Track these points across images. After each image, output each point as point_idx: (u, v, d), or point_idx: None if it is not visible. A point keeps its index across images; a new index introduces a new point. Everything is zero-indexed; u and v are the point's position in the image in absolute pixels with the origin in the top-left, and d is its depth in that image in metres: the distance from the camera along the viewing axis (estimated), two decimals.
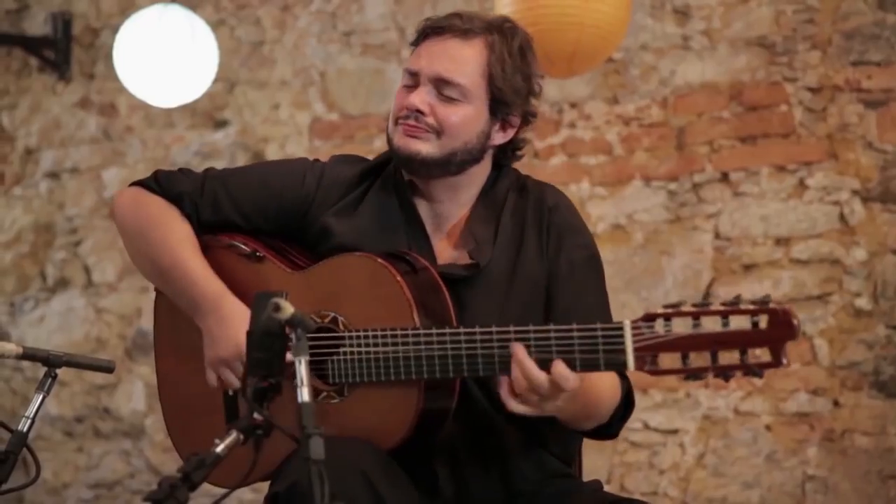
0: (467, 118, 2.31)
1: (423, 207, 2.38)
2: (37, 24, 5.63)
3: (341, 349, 2.23)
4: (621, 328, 2.03)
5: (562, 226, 2.37)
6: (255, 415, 1.87)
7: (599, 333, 2.05)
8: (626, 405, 2.31)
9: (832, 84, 4.16)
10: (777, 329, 1.94)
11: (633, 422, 4.34)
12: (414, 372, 2.17)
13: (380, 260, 2.25)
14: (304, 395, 1.80)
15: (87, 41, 5.53)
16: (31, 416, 2.44)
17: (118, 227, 2.49)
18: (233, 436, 1.86)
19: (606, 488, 2.47)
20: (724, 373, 1.98)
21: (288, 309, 1.83)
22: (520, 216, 2.37)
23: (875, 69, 4.12)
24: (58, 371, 2.49)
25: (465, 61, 2.29)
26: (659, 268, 4.35)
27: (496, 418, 2.28)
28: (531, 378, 2.06)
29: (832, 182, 4.14)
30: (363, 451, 2.14)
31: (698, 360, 1.99)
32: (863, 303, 4.06)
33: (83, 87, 5.52)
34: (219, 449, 1.84)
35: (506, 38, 2.31)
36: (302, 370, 1.81)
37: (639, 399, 4.28)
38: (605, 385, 2.23)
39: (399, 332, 2.18)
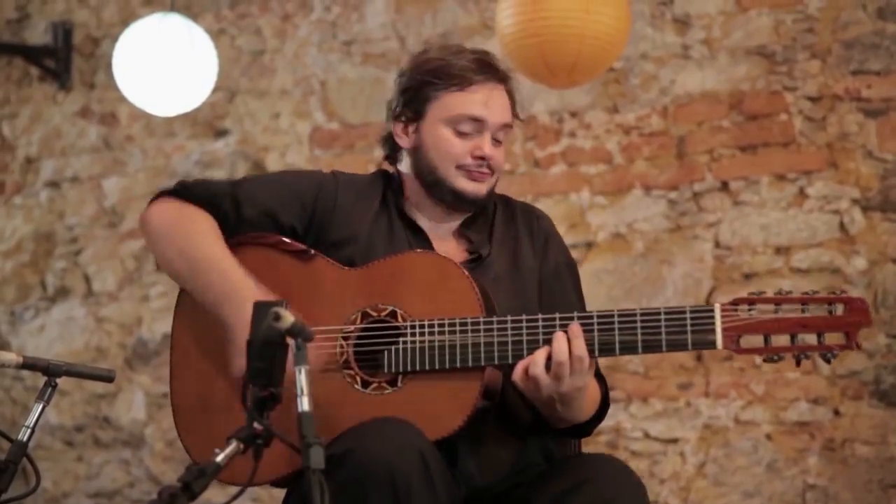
0: (505, 155, 2.55)
1: (423, 223, 2.51)
2: (37, 34, 5.64)
3: (401, 339, 2.29)
4: (712, 310, 2.20)
5: (548, 232, 2.56)
6: (255, 424, 1.87)
7: (689, 315, 2.21)
8: (602, 406, 2.44)
9: (832, 93, 4.16)
10: (853, 315, 2.15)
11: (634, 430, 4.34)
12: (484, 359, 2.24)
13: (445, 257, 2.36)
14: (305, 404, 1.80)
15: (88, 50, 5.54)
16: (31, 425, 2.44)
17: (152, 234, 2.51)
18: (232, 445, 1.87)
19: None
20: (802, 354, 2.16)
21: (288, 318, 1.84)
22: (510, 221, 2.55)
23: (875, 78, 4.12)
24: (58, 380, 2.49)
25: (508, 108, 2.51)
26: (659, 277, 4.35)
27: (514, 403, 2.36)
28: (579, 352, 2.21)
29: (832, 191, 4.14)
30: (418, 432, 2.19)
31: (778, 341, 2.18)
32: None
33: (84, 97, 5.53)
34: (219, 458, 1.85)
35: (508, 71, 2.53)
36: (302, 380, 1.81)
37: (639, 408, 4.32)
38: (593, 390, 2.38)
39: (469, 320, 2.26)
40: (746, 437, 4.19)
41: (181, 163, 5.29)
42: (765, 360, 2.19)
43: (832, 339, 2.15)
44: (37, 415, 2.45)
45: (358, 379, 2.30)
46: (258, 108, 5.16)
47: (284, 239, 2.45)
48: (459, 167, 2.45)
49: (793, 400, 4.14)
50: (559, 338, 2.21)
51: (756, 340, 2.18)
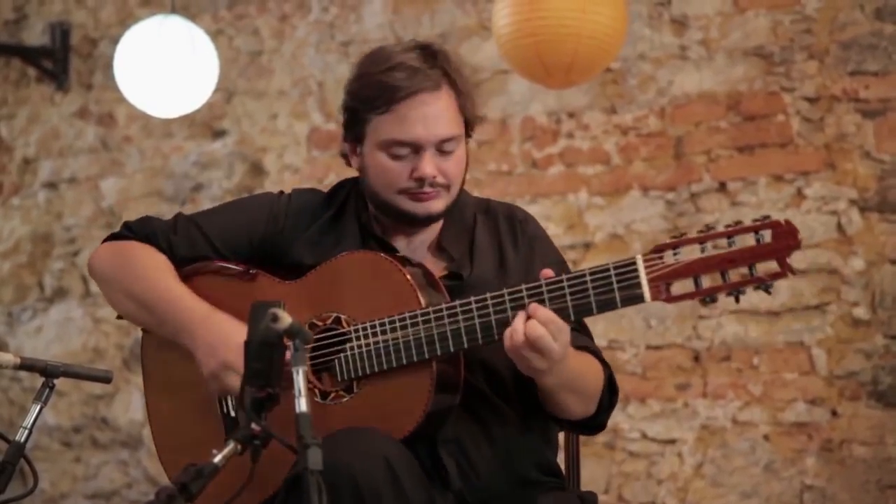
0: (462, 160, 2.37)
1: (395, 241, 2.42)
2: (35, 35, 5.64)
3: (348, 345, 2.26)
4: (634, 262, 2.10)
5: (533, 236, 2.45)
6: (253, 425, 1.87)
7: (612, 272, 2.12)
8: (610, 393, 2.37)
9: (830, 94, 4.16)
10: (781, 240, 2.03)
11: (631, 431, 4.34)
12: (427, 352, 2.20)
13: (378, 253, 2.30)
14: (302, 405, 1.80)
15: (86, 51, 5.54)
16: (29, 426, 2.44)
17: (98, 280, 2.53)
18: (230, 446, 1.86)
19: (604, 498, 2.49)
20: (737, 289, 2.05)
21: (286, 319, 1.83)
22: (493, 231, 2.45)
23: (872, 79, 4.12)
24: (55, 381, 2.49)
25: (449, 112, 2.32)
26: None
27: (501, 411, 2.33)
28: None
29: (830, 192, 4.14)
30: (384, 438, 2.17)
31: (710, 282, 2.07)
32: (861, 312, 4.06)
33: (81, 97, 5.53)
34: (216, 459, 1.84)
35: (451, 65, 2.35)
36: (300, 380, 1.81)
37: (636, 408, 4.32)
38: (587, 361, 2.31)
39: (408, 315, 2.22)
40: (744, 438, 4.19)
41: (179, 163, 5.28)
42: (702, 303, 2.08)
43: (765, 268, 2.04)
44: (34, 416, 2.45)
45: (316, 391, 2.28)
46: (256, 108, 5.16)
47: (224, 264, 2.44)
48: (401, 192, 2.33)
49: (790, 401, 4.14)
50: (521, 320, 2.14)
51: (687, 286, 2.07)
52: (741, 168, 4.27)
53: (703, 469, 4.25)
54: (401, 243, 2.41)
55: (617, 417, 4.33)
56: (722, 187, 4.29)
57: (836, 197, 4.13)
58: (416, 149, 2.31)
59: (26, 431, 2.44)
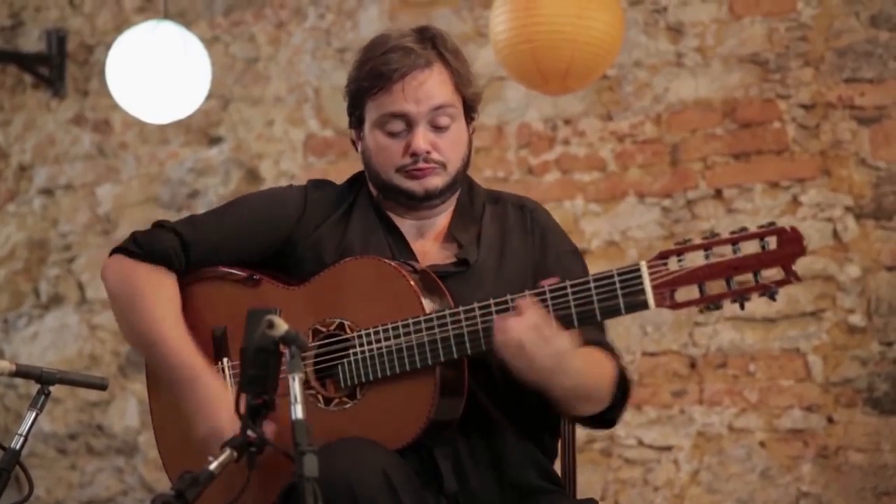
0: (460, 138, 2.39)
1: (403, 224, 2.43)
2: (31, 41, 5.64)
3: (351, 351, 2.26)
4: (638, 269, 2.11)
5: (544, 226, 2.48)
6: (249, 432, 1.87)
7: (616, 279, 2.12)
8: (622, 391, 2.32)
9: (825, 101, 4.16)
10: (786, 247, 2.04)
11: (628, 438, 4.34)
12: (430, 357, 2.20)
13: (381, 259, 2.30)
14: (298, 412, 1.79)
15: (82, 58, 5.54)
16: (24, 433, 2.44)
17: (109, 299, 2.48)
18: (226, 453, 1.86)
19: None
20: (741, 297, 2.05)
21: (282, 326, 1.83)
22: (500, 221, 2.45)
23: (868, 86, 4.13)
24: (51, 388, 2.49)
25: (442, 86, 2.35)
26: None
27: (498, 418, 2.32)
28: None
29: (825, 199, 4.14)
30: (381, 449, 2.16)
31: (714, 288, 2.06)
32: (856, 319, 4.07)
33: (77, 104, 5.53)
34: (212, 466, 1.84)
35: (447, 45, 2.38)
36: (296, 387, 1.81)
37: (632, 415, 4.32)
38: (593, 362, 2.27)
39: (411, 321, 2.21)
40: (740, 445, 4.19)
41: (175, 170, 5.28)
42: (704, 310, 2.07)
43: (770, 275, 2.04)
44: (30, 422, 2.45)
45: (319, 397, 2.28)
46: (252, 115, 5.16)
47: (230, 270, 2.42)
48: (398, 170, 2.36)
49: (786, 407, 4.14)
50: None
51: (692, 292, 2.06)
52: (737, 175, 4.28)
53: (700, 476, 4.25)
54: (410, 229, 2.42)
55: None
56: (718, 194, 4.29)
57: (832, 204, 4.13)
58: (409, 123, 2.34)
59: (22, 438, 2.43)
